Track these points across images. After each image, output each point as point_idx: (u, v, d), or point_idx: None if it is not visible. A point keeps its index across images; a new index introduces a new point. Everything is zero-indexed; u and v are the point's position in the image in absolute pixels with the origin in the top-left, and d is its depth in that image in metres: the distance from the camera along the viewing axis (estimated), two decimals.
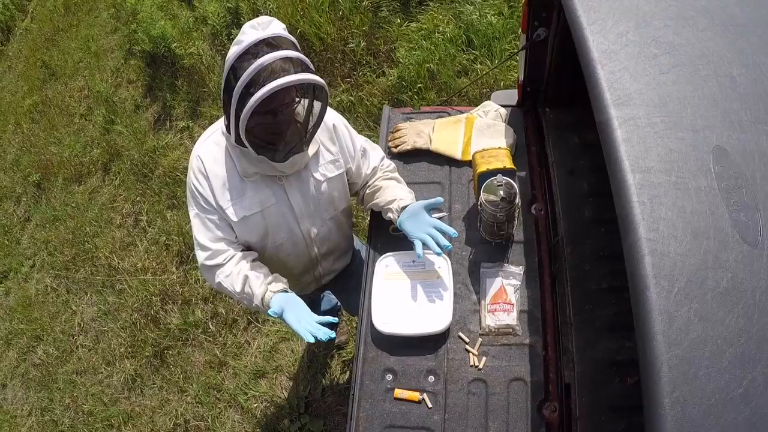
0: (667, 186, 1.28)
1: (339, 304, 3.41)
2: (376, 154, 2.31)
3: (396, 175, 2.34)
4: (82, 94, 6.39)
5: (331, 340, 1.97)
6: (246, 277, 2.04)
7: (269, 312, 2.01)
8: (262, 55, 1.66)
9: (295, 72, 1.70)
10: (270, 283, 2.05)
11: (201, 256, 2.08)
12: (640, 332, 1.16)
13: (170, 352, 4.14)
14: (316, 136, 2.03)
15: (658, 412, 1.08)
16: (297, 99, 1.83)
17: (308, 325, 1.95)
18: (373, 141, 2.36)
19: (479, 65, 4.21)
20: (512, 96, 2.75)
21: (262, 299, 2.03)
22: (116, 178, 5.42)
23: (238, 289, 2.04)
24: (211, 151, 2.00)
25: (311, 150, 2.03)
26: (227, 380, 3.88)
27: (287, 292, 2.07)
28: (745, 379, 1.08)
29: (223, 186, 1.99)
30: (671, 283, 1.17)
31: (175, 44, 5.59)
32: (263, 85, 1.64)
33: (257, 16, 4.93)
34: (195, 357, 4.07)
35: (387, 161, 2.36)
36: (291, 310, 1.99)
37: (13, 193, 6.11)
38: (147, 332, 4.27)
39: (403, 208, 2.16)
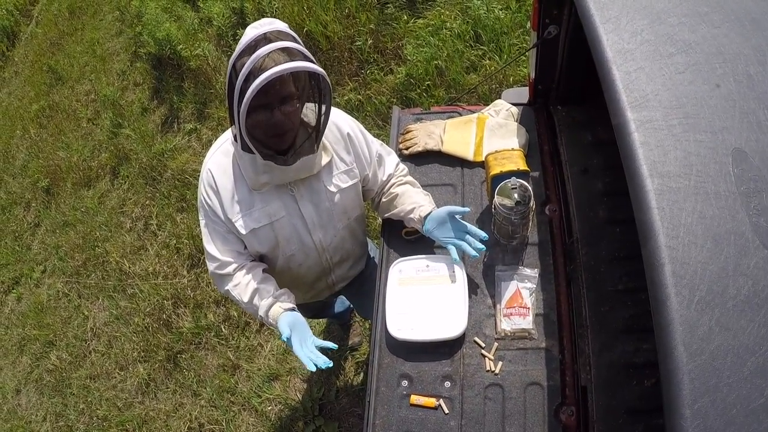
0: (687, 191, 1.25)
1: (351, 305, 3.40)
2: (391, 159, 2.28)
3: (410, 178, 2.32)
4: (89, 98, 6.41)
5: (329, 368, 1.93)
6: (255, 290, 2.03)
7: (276, 328, 2.02)
8: (259, 49, 1.64)
9: (294, 61, 1.67)
10: (278, 298, 2.05)
11: (211, 265, 2.09)
12: (660, 342, 1.14)
13: (183, 356, 4.15)
14: (329, 146, 2.02)
15: (680, 423, 1.06)
16: (297, 92, 1.79)
17: (309, 352, 1.93)
18: (382, 140, 2.33)
19: (488, 60, 4.19)
20: (523, 94, 2.72)
21: (269, 314, 2.02)
22: (125, 182, 5.43)
23: (245, 299, 2.04)
24: (220, 164, 1.98)
25: (324, 160, 2.01)
26: (241, 383, 3.88)
27: (294, 310, 2.06)
28: (767, 389, 1.06)
29: (232, 199, 1.97)
30: (692, 292, 1.14)
31: (181, 46, 5.59)
32: (259, 76, 1.62)
33: (263, 15, 4.97)
34: (208, 360, 4.07)
35: (401, 165, 2.33)
36: (296, 334, 1.97)
37: (23, 199, 6.14)
38: (159, 336, 4.28)
39: (425, 216, 2.14)
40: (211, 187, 1.98)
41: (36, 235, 5.78)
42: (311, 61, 1.72)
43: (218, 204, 1.98)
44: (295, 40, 1.74)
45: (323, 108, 1.85)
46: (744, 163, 1.29)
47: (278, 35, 1.70)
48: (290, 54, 1.68)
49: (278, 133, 1.82)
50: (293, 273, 2.23)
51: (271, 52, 1.64)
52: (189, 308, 4.34)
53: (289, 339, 1.96)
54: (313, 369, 1.90)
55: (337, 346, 1.99)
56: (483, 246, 2.06)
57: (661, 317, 1.15)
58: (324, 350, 1.97)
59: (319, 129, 1.89)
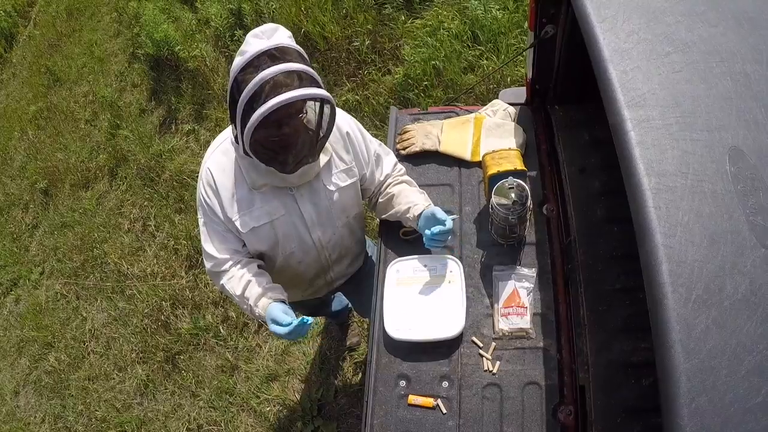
0: (683, 190, 1.25)
1: (350, 305, 3.40)
2: (389, 159, 2.29)
3: (406, 177, 2.33)
4: (87, 100, 6.39)
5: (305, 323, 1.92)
6: (248, 282, 2.04)
7: (264, 318, 2.02)
8: (264, 68, 1.64)
9: (299, 86, 1.67)
10: (269, 290, 2.04)
11: (207, 264, 2.11)
12: (658, 341, 1.14)
13: (182, 357, 4.14)
14: (329, 145, 2.03)
15: (677, 422, 1.06)
16: (302, 113, 1.81)
17: (291, 327, 1.92)
18: (380, 140, 2.33)
19: (485, 61, 4.19)
20: (521, 94, 2.72)
21: (257, 304, 2.02)
22: (123, 183, 5.42)
23: (238, 292, 2.04)
24: (220, 162, 1.99)
25: (323, 160, 2.01)
26: (239, 384, 3.87)
27: (284, 303, 2.05)
28: (764, 388, 1.06)
29: (232, 198, 1.98)
30: (689, 290, 1.14)
31: (179, 47, 5.58)
32: (265, 101, 1.63)
33: (260, 16, 4.96)
34: (207, 361, 4.06)
35: (399, 165, 2.34)
36: (277, 323, 1.97)
37: (21, 200, 6.12)
38: (158, 337, 4.27)
39: (419, 214, 2.15)
40: (210, 186, 1.99)
41: (34, 236, 5.76)
42: (316, 83, 1.73)
43: (217, 203, 1.99)
44: (300, 56, 1.74)
45: (325, 126, 1.87)
46: (741, 161, 1.29)
47: (283, 52, 1.70)
48: (297, 77, 1.69)
49: (282, 145, 1.83)
50: (292, 270, 2.24)
51: (276, 75, 1.65)
52: (187, 309, 4.33)
53: (273, 321, 1.96)
54: (303, 330, 1.93)
55: (312, 319, 1.96)
56: (438, 231, 2.04)
57: (658, 316, 1.15)
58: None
59: (321, 141, 1.91)
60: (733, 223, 1.21)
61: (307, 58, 1.78)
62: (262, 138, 1.76)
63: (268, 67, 1.65)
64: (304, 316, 1.93)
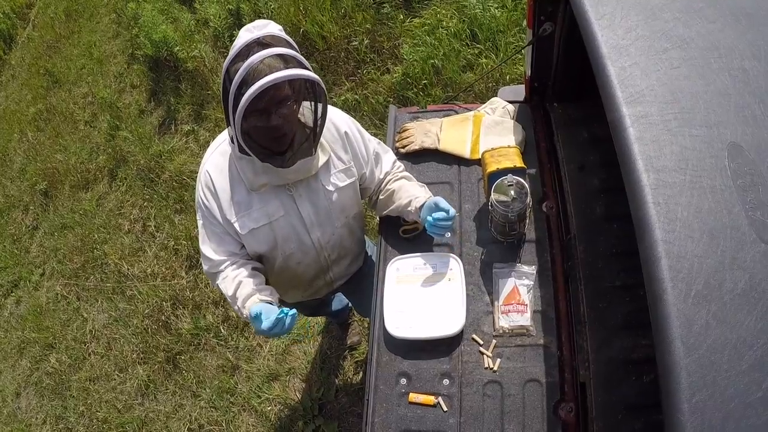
0: (682, 185, 1.26)
1: (350, 304, 3.40)
2: (388, 157, 2.29)
3: (406, 173, 2.32)
4: (86, 101, 6.39)
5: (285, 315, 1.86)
6: (240, 283, 2.02)
7: (248, 316, 1.96)
8: (253, 55, 1.64)
9: (285, 68, 1.66)
10: (259, 291, 2.00)
11: (205, 266, 2.11)
12: (658, 337, 1.14)
13: (182, 357, 4.14)
14: (327, 145, 2.02)
15: (678, 418, 1.06)
16: (292, 98, 1.79)
17: (270, 323, 1.86)
18: (380, 139, 2.33)
19: (484, 59, 4.18)
20: (519, 92, 2.72)
21: (245, 304, 1.97)
22: (123, 184, 5.42)
23: (230, 293, 2.03)
24: (218, 165, 1.98)
25: (322, 159, 2.01)
26: (240, 384, 3.87)
27: (271, 304, 1.99)
28: (765, 382, 1.06)
29: (230, 200, 1.98)
30: (689, 285, 1.14)
31: (178, 48, 5.58)
32: (252, 84, 1.62)
33: (258, 16, 4.96)
34: (207, 361, 4.07)
35: (398, 163, 2.34)
36: (263, 320, 1.89)
37: (21, 202, 6.13)
38: (159, 338, 4.27)
39: (421, 206, 2.14)
40: (209, 189, 1.98)
41: (34, 238, 5.76)
42: (305, 67, 1.72)
43: (216, 206, 1.99)
44: (289, 44, 1.74)
45: (318, 112, 1.86)
46: (740, 157, 1.30)
47: (272, 40, 1.70)
48: (284, 60, 1.68)
49: (274, 136, 1.83)
50: (292, 271, 2.23)
51: (264, 58, 1.65)
52: (188, 309, 4.33)
53: (258, 316, 1.87)
54: (284, 322, 1.86)
55: (293, 310, 1.90)
56: (441, 216, 2.04)
57: (658, 312, 1.15)
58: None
59: (315, 132, 1.89)
60: (732, 219, 1.21)
61: (297, 48, 1.77)
62: (252, 128, 1.76)
63: (257, 53, 1.65)
64: (284, 308, 1.87)
